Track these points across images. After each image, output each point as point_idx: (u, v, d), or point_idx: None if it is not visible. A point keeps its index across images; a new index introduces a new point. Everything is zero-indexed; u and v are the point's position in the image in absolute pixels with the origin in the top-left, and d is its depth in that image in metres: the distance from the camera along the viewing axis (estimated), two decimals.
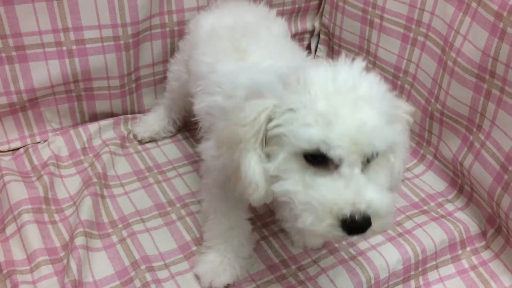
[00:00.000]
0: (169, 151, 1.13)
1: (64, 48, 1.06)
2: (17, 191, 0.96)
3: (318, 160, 0.54)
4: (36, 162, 1.06)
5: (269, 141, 0.58)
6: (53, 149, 1.09)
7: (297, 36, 1.37)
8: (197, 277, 0.82)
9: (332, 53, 1.34)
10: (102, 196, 0.99)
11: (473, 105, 0.92)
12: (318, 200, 0.53)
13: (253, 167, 0.57)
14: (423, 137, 1.10)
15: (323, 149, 0.53)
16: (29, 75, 1.06)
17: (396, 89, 1.15)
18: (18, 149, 1.11)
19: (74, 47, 1.07)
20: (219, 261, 0.80)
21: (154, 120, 1.15)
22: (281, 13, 1.27)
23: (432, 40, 1.02)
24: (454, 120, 0.99)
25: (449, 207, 0.99)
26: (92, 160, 1.07)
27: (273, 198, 0.60)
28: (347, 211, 0.52)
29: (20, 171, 1.03)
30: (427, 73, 1.05)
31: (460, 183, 1.01)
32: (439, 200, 1.01)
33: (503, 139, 0.85)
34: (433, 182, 1.05)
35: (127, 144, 1.15)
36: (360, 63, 0.58)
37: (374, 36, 1.17)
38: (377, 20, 1.14)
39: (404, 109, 0.62)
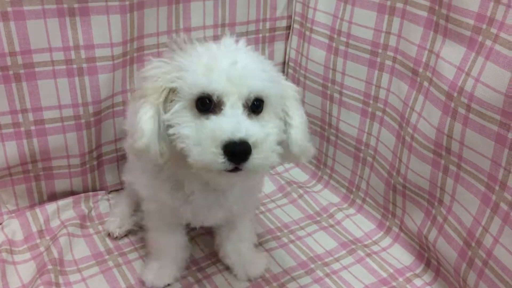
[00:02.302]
0: (132, 232, 1.09)
1: (22, 129, 1.04)
2: None
3: (206, 107, 0.64)
4: None
5: (169, 100, 0.67)
6: (7, 233, 1.04)
7: None
8: (142, 282, 0.94)
9: None
10: (57, 285, 0.93)
11: (433, 179, 0.94)
12: (204, 134, 0.61)
13: (146, 117, 0.65)
14: (388, 209, 1.11)
15: (206, 90, 0.63)
16: None
17: (359, 162, 1.17)
18: None
19: (32, 127, 1.05)
20: (159, 267, 0.93)
21: (125, 212, 1.08)
22: None
23: (389, 115, 1.06)
24: (416, 194, 1.00)
25: (418, 282, 0.98)
26: (48, 244, 1.02)
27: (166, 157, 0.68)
28: (226, 136, 0.60)
29: None
30: (387, 147, 1.07)
31: (427, 257, 1.00)
32: (407, 275, 1.00)
33: (464, 214, 0.86)
34: (400, 255, 1.04)
35: (87, 223, 1.11)
36: (244, 42, 0.70)
37: (335, 110, 1.19)
38: (336, 95, 1.17)
39: (290, 85, 0.74)
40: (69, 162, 1.12)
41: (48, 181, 1.13)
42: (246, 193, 0.84)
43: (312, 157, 0.75)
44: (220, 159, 0.60)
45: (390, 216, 1.10)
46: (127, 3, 1.01)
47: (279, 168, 1.38)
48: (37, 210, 1.10)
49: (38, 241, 1.04)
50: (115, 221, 1.07)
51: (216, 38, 1.09)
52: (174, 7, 1.12)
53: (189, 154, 0.63)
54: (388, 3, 1.01)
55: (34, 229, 1.06)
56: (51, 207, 1.11)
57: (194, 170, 0.65)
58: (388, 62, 1.04)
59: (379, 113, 1.09)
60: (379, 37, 1.04)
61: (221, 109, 0.64)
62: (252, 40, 1.27)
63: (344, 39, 1.11)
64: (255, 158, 0.61)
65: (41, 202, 1.14)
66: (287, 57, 1.34)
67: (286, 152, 0.70)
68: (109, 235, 1.07)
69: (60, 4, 0.97)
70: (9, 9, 0.93)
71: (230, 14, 1.20)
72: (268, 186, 1.28)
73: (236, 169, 0.62)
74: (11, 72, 0.98)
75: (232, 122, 0.62)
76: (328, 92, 1.20)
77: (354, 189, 1.21)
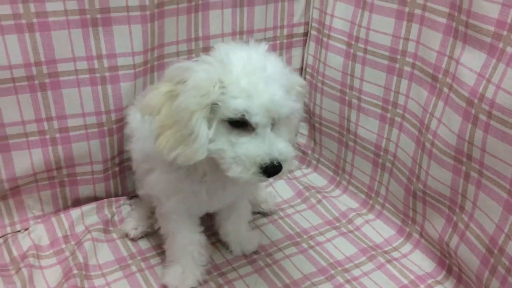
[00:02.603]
0: (154, 237, 1.11)
1: (48, 136, 1.07)
2: None
3: (239, 124, 0.72)
4: (15, 253, 1.03)
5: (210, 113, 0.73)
6: (33, 239, 1.06)
7: None
8: (165, 286, 0.96)
9: (314, 130, 1.37)
10: None
11: (454, 186, 0.93)
12: (244, 154, 0.71)
13: (205, 135, 0.72)
14: (408, 215, 1.10)
15: (246, 117, 0.70)
16: (11, 164, 1.06)
17: (378, 167, 1.17)
18: None
19: (57, 135, 1.07)
20: (181, 270, 0.95)
21: (141, 214, 1.11)
22: None
23: (408, 121, 1.06)
24: (436, 200, 1.00)
25: None
26: (73, 249, 1.05)
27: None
28: (267, 160, 0.70)
29: None
30: (406, 153, 1.07)
31: (448, 263, 1.00)
32: (429, 281, 0.99)
33: (486, 221, 0.86)
34: (421, 262, 1.04)
35: (111, 228, 1.13)
36: (264, 45, 0.77)
37: (353, 116, 1.20)
38: (355, 101, 1.18)
39: (298, 82, 0.81)
40: (93, 169, 1.14)
41: (72, 187, 1.16)
42: None
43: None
44: (260, 177, 0.71)
45: (410, 222, 1.10)
46: (148, 13, 1.03)
47: (297, 173, 1.39)
48: (62, 215, 1.13)
49: (63, 246, 1.06)
50: (131, 222, 1.10)
51: None
52: (193, 15, 1.14)
53: (228, 169, 0.72)
54: (406, 9, 1.01)
55: (60, 234, 1.09)
56: (75, 212, 1.14)
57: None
58: (407, 68, 1.04)
59: (398, 119, 1.09)
60: (398, 43, 1.04)
61: (254, 129, 0.72)
62: (269, 46, 1.28)
63: (362, 45, 1.11)
64: (285, 170, 0.73)
65: (66, 207, 1.17)
66: (304, 63, 1.35)
67: None
68: (127, 236, 1.10)
69: (83, 15, 0.99)
70: (35, 20, 0.96)
71: (248, 21, 1.22)
72: (286, 191, 1.29)
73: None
74: (36, 82, 1.01)
75: (268, 146, 0.71)
76: (347, 97, 1.20)
77: (373, 195, 1.21)
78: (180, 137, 0.72)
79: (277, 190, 1.29)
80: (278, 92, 0.71)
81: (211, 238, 1.10)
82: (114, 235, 1.12)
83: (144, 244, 1.09)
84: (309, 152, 1.41)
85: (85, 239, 1.06)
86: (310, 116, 1.37)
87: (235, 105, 0.70)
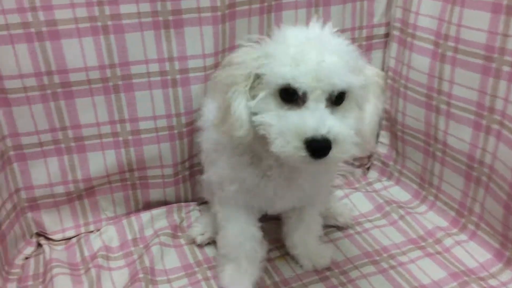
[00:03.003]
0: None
1: (121, 138, 1.08)
2: (63, 286, 0.93)
3: (290, 97, 0.66)
4: (86, 253, 1.04)
5: (254, 86, 0.69)
6: (105, 240, 1.07)
7: None
8: None
9: (396, 139, 1.26)
10: None
11: None
12: (287, 126, 0.64)
13: (241, 107, 0.68)
14: (508, 237, 0.96)
15: (292, 84, 0.64)
16: (86, 165, 1.08)
17: (471, 181, 1.04)
18: (71, 238, 1.10)
19: (130, 137, 1.08)
20: (236, 270, 0.89)
21: (208, 220, 1.06)
22: None
23: (508, 129, 0.92)
24: None
25: None
26: (141, 252, 1.04)
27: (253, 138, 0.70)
28: (310, 134, 0.62)
29: (70, 263, 1.02)
30: (506, 165, 0.93)
31: None
32: None
33: None
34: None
35: (179, 233, 1.11)
36: (330, 26, 0.70)
37: (441, 123, 1.07)
38: (443, 106, 1.05)
39: (374, 71, 0.74)
40: (163, 172, 1.14)
41: (143, 190, 1.16)
42: (322, 172, 0.84)
43: (370, 150, 0.77)
44: (302, 153, 0.62)
45: (511, 245, 0.95)
46: (219, 13, 1.01)
47: (377, 185, 1.28)
48: (133, 218, 1.13)
49: (132, 248, 1.06)
50: (198, 227, 1.06)
51: None
52: (266, 16, 1.10)
53: (272, 143, 0.65)
54: (505, 2, 0.88)
55: (129, 236, 1.09)
56: (145, 215, 1.13)
57: (277, 155, 0.66)
58: (506, 68, 0.91)
59: (495, 126, 0.95)
60: (495, 40, 0.92)
61: (305, 102, 0.65)
62: None
63: (452, 44, 1.00)
64: (335, 153, 0.63)
65: (137, 210, 1.17)
66: (385, 66, 1.24)
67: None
68: (194, 242, 1.06)
69: (155, 17, 0.99)
70: (109, 22, 0.97)
71: (324, 22, 1.15)
72: (365, 205, 1.19)
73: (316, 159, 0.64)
74: (110, 84, 1.02)
75: (315, 119, 0.63)
76: (434, 103, 1.08)
77: (465, 212, 1.07)
78: (222, 112, 0.70)
79: (354, 203, 1.20)
80: (331, 59, 0.64)
81: (280, 250, 1.03)
82: (182, 241, 1.09)
83: (211, 251, 1.05)
84: (391, 163, 1.30)
85: (153, 243, 1.05)
86: (392, 124, 1.26)
87: (281, 73, 0.65)
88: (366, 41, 1.22)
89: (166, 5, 0.99)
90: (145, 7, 0.98)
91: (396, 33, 1.19)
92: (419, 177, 1.20)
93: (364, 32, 1.21)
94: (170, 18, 1.00)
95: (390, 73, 1.23)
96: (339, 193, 1.23)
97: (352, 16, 1.18)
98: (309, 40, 0.67)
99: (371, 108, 0.72)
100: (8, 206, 1.02)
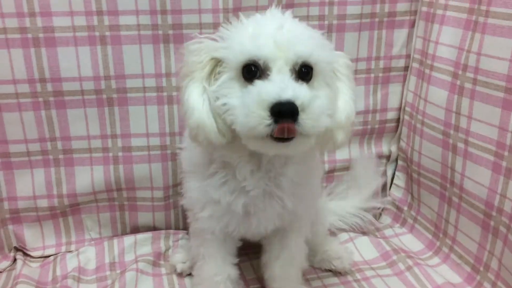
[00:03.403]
0: None
1: (111, 154, 1.03)
2: None
3: (253, 75, 0.61)
4: (58, 273, 0.98)
5: (215, 73, 0.65)
6: (81, 260, 1.01)
7: None
8: None
9: (411, 181, 1.14)
10: None
11: None
12: (249, 98, 0.59)
13: (194, 94, 0.64)
14: None
15: (252, 57, 0.60)
16: (72, 179, 1.03)
17: (488, 232, 0.91)
18: (49, 256, 1.04)
19: (120, 153, 1.03)
20: None
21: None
22: None
23: None
24: None
25: None
26: (116, 277, 0.96)
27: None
28: (272, 99, 0.57)
29: (39, 281, 0.96)
30: None
31: None
32: None
33: None
34: None
35: (161, 262, 1.03)
36: (290, 12, 0.66)
37: (458, 164, 0.96)
38: (461, 145, 0.95)
39: (342, 57, 0.69)
40: (153, 195, 1.07)
41: (131, 212, 1.09)
42: (301, 183, 0.75)
43: (343, 146, 0.69)
44: (267, 121, 0.57)
45: None
46: None
47: (388, 232, 1.16)
48: (115, 240, 1.06)
49: (107, 273, 0.99)
50: (180, 254, 0.98)
51: None
52: None
53: (236, 121, 0.60)
54: None
55: (107, 260, 1.02)
56: (129, 239, 1.07)
57: (244, 141, 0.62)
58: None
59: None
60: None
61: (268, 75, 0.61)
62: (361, 80, 1.13)
63: (471, 75, 0.90)
64: (304, 119, 0.57)
65: (124, 234, 1.10)
66: (403, 101, 1.15)
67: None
68: (174, 270, 0.98)
69: (155, 30, 0.96)
70: (108, 33, 0.95)
71: (337, 49, 1.08)
72: (369, 251, 1.07)
73: (285, 139, 0.58)
74: (104, 96, 0.99)
75: (278, 83, 0.59)
76: (450, 141, 0.97)
77: (481, 268, 0.94)
78: (183, 108, 0.65)
79: (358, 247, 1.08)
80: (291, 26, 0.62)
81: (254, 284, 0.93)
82: (163, 270, 1.01)
83: (190, 283, 0.96)
84: (405, 208, 1.18)
85: (129, 269, 0.97)
86: (408, 164, 1.15)
87: (240, 49, 0.61)
88: (383, 73, 1.14)
89: (167, 18, 0.96)
90: (145, 19, 0.95)
91: (415, 65, 1.10)
92: (434, 225, 1.08)
93: (381, 63, 1.13)
94: (171, 32, 0.97)
95: (407, 109, 1.13)
96: (343, 235, 1.12)
97: (369, 45, 1.11)
98: (267, 17, 0.65)
99: (345, 90, 0.67)
100: None
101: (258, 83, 0.60)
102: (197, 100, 0.63)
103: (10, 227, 1.04)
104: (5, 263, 1.01)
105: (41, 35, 0.93)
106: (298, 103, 0.57)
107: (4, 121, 0.97)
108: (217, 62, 0.64)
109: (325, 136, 0.66)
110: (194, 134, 0.65)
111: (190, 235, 0.87)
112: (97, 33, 0.95)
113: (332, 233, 1.10)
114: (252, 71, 0.62)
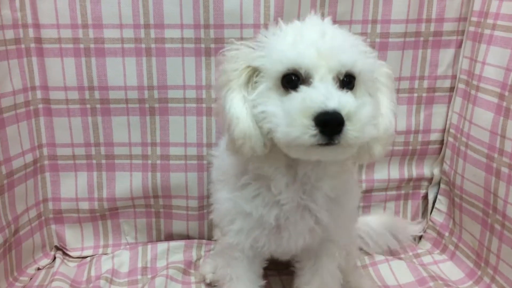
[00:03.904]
0: None
1: (149, 161, 1.06)
2: None
3: (293, 84, 0.59)
4: (93, 273, 1.01)
5: (253, 82, 0.63)
6: (115, 263, 1.04)
7: (411, 183, 1.16)
8: None
9: (453, 206, 1.10)
10: None
11: None
12: (292, 106, 0.56)
13: (235, 103, 0.61)
14: None
15: (292, 66, 0.58)
16: (113, 184, 1.07)
17: None
18: (86, 257, 1.08)
19: (158, 161, 1.06)
20: None
21: None
22: (389, 154, 1.12)
23: None
24: None
25: None
26: (147, 282, 0.98)
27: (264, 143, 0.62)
28: (317, 107, 0.54)
29: (74, 280, 0.99)
30: None
31: None
32: None
33: None
34: None
35: (191, 270, 1.04)
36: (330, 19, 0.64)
37: (501, 190, 0.91)
38: (504, 170, 0.90)
39: (384, 67, 0.67)
40: (188, 204, 1.09)
41: (166, 219, 1.12)
42: (337, 199, 0.72)
43: (380, 158, 0.67)
44: (311, 131, 0.55)
45: None
46: None
47: (426, 259, 1.11)
48: (149, 246, 1.08)
49: (139, 277, 1.01)
50: (210, 264, 0.98)
51: None
52: None
53: (276, 129, 0.58)
54: None
55: (140, 264, 1.04)
56: (162, 245, 1.09)
57: (284, 149, 0.60)
58: None
59: None
60: None
61: (311, 83, 0.58)
62: (404, 99, 1.10)
63: None
64: (350, 130, 0.55)
65: (159, 240, 1.13)
66: (448, 122, 1.11)
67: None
68: (204, 280, 0.98)
69: (198, 43, 0.99)
70: (153, 45, 0.99)
71: None
72: (404, 275, 1.03)
73: (329, 144, 0.56)
74: (147, 105, 1.03)
75: (323, 92, 0.56)
76: (494, 165, 0.93)
77: None
78: (222, 118, 0.64)
79: (393, 270, 1.04)
80: (334, 33, 0.60)
81: None
82: (192, 279, 1.02)
83: None
84: (446, 234, 1.13)
85: (160, 275, 0.99)
86: (450, 188, 1.11)
87: (279, 57, 0.59)
88: (427, 93, 1.11)
89: (209, 32, 0.99)
90: (189, 33, 0.99)
91: (461, 86, 1.07)
92: (475, 254, 1.02)
93: (425, 83, 1.10)
94: (212, 46, 1.00)
95: (452, 131, 1.10)
96: (379, 257, 1.08)
97: (412, 64, 1.08)
98: (308, 24, 0.63)
99: (385, 101, 0.65)
100: (32, 213, 1.03)
101: (302, 88, 0.58)
102: (240, 109, 0.61)
103: (53, 226, 1.09)
104: (46, 261, 1.06)
105: (92, 45, 0.99)
106: (344, 112, 0.55)
107: (54, 125, 1.03)
108: (254, 71, 0.63)
109: (362, 147, 0.63)
110: (240, 144, 0.62)
111: (216, 255, 0.86)
112: (143, 45, 0.99)
113: (366, 253, 1.07)
114: (292, 81, 0.59)
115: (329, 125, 0.54)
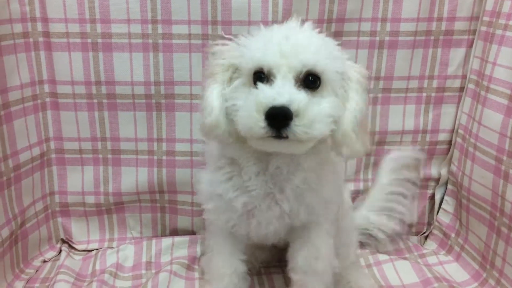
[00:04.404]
0: None
1: (155, 157, 1.07)
2: None
3: (261, 81, 0.64)
4: (98, 267, 1.02)
5: (233, 78, 0.69)
6: (120, 257, 1.05)
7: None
8: None
9: (460, 207, 1.09)
10: None
11: None
12: (250, 101, 0.63)
13: (214, 94, 0.68)
14: None
15: (259, 64, 0.64)
16: (118, 179, 1.08)
17: None
18: (92, 251, 1.09)
19: (164, 157, 1.07)
20: None
21: None
22: None
23: None
24: None
25: None
26: (150, 277, 0.98)
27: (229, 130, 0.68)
28: (267, 102, 0.60)
29: (79, 273, 1.00)
30: None
31: None
32: None
33: None
34: None
35: (195, 266, 1.04)
36: (310, 23, 0.69)
37: (509, 193, 0.90)
38: None
39: (356, 68, 0.70)
40: (193, 199, 1.10)
41: (172, 215, 1.12)
42: (310, 189, 0.75)
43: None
44: (261, 124, 0.60)
45: None
46: None
47: (431, 259, 1.10)
48: (154, 241, 1.09)
49: (143, 271, 1.02)
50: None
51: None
52: None
53: (238, 121, 0.64)
54: None
55: (144, 259, 1.05)
56: (167, 241, 1.09)
57: (248, 140, 0.66)
58: None
59: None
60: None
61: (272, 81, 0.64)
62: (412, 98, 1.09)
63: None
64: (297, 125, 0.60)
65: (164, 235, 1.13)
66: (457, 123, 1.10)
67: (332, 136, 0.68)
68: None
69: (205, 39, 0.99)
70: (160, 41, 0.99)
71: (387, 66, 1.06)
72: (409, 275, 1.02)
73: (279, 137, 0.61)
74: (153, 101, 1.03)
75: (276, 89, 0.62)
76: (503, 167, 0.92)
77: None
78: (201, 104, 0.70)
79: (398, 269, 1.04)
80: (297, 36, 0.65)
81: None
82: (196, 274, 1.02)
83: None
84: (452, 235, 1.12)
85: (164, 270, 0.99)
86: (457, 189, 1.10)
87: (251, 56, 0.65)
88: (436, 92, 1.10)
89: (217, 29, 0.98)
90: (196, 29, 0.98)
91: (471, 86, 1.05)
92: (481, 256, 1.01)
93: (435, 83, 1.09)
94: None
95: (460, 131, 1.08)
96: (383, 256, 1.07)
97: (422, 63, 1.07)
98: (281, 28, 0.68)
99: (352, 103, 0.68)
100: (38, 206, 1.04)
101: (260, 86, 0.63)
102: (216, 100, 0.68)
103: (59, 219, 1.10)
104: (52, 253, 1.07)
105: (99, 40, 0.99)
106: (293, 108, 0.60)
107: (61, 120, 1.04)
108: (236, 68, 0.69)
109: (336, 142, 0.68)
110: (209, 130, 0.69)
111: (206, 230, 0.89)
112: (150, 41, 0.99)
113: (370, 252, 1.07)
114: (261, 78, 0.65)
115: (276, 119, 0.60)
